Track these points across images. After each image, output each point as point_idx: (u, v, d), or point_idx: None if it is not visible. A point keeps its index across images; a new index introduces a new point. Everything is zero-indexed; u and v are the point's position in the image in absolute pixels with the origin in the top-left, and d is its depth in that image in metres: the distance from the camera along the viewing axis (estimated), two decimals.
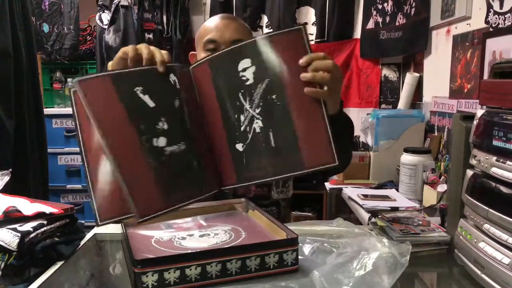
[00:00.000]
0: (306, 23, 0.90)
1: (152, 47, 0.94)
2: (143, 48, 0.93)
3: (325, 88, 0.91)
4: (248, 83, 0.93)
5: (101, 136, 0.83)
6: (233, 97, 0.94)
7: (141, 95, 0.88)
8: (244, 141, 0.95)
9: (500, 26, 1.69)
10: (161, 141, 0.88)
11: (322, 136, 0.89)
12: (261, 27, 3.29)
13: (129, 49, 0.94)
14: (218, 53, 0.97)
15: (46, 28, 3.15)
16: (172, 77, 0.93)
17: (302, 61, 0.90)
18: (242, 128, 0.94)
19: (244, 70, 0.92)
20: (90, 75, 0.87)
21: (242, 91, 0.93)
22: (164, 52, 0.94)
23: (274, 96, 0.91)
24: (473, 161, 0.89)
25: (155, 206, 0.87)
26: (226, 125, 0.96)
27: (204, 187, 0.96)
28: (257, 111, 0.93)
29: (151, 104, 0.88)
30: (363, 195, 1.86)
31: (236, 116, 0.95)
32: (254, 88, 0.92)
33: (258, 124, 0.93)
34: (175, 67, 0.94)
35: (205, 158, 0.97)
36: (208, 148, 0.98)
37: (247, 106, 0.93)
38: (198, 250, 0.81)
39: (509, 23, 1.63)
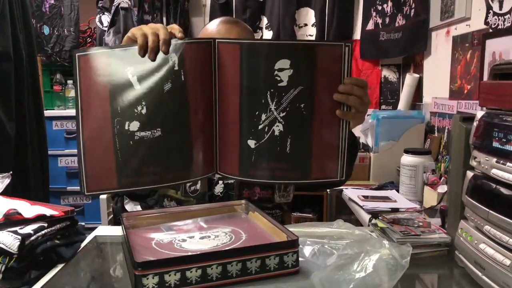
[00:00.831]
0: (351, 42, 0.91)
1: (160, 29, 0.91)
2: (150, 36, 0.89)
3: (353, 110, 0.94)
4: (281, 84, 0.91)
5: (76, 104, 0.87)
6: (259, 93, 0.92)
7: (130, 76, 0.89)
8: (258, 140, 0.94)
9: (499, 27, 1.69)
10: (134, 125, 0.90)
11: (334, 152, 0.93)
12: (261, 28, 3.29)
13: (137, 34, 0.90)
14: (253, 41, 0.96)
15: (46, 30, 3.15)
16: (173, 58, 0.90)
17: (345, 84, 0.91)
18: (260, 127, 0.93)
19: (281, 70, 0.90)
20: (90, 49, 0.90)
21: (272, 90, 0.91)
22: (175, 28, 0.93)
23: (302, 105, 0.91)
24: (473, 163, 0.88)
25: (106, 184, 0.91)
26: (242, 117, 0.94)
27: (185, 173, 0.96)
28: (282, 115, 0.92)
29: (136, 86, 0.89)
30: (363, 196, 1.86)
31: (257, 112, 0.92)
32: (286, 92, 0.91)
33: (278, 128, 0.93)
34: (181, 44, 0.91)
35: (194, 143, 0.95)
36: (204, 131, 0.96)
37: (272, 106, 0.92)
38: (199, 252, 0.81)
39: (509, 24, 1.63)
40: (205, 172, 0.98)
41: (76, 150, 0.90)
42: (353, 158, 1.20)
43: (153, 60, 0.89)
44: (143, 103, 0.89)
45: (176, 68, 0.91)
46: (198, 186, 1.21)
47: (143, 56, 0.89)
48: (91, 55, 0.88)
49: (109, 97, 0.88)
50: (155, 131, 0.90)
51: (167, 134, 0.91)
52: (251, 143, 0.94)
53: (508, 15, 1.63)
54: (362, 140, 2.66)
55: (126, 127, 0.89)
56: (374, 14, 2.90)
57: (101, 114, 0.89)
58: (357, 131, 2.88)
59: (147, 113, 0.90)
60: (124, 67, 0.89)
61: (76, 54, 0.88)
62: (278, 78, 0.91)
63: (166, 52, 0.89)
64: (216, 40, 0.94)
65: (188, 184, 1.21)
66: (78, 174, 0.90)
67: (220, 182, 1.22)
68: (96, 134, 0.89)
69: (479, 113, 0.88)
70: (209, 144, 0.97)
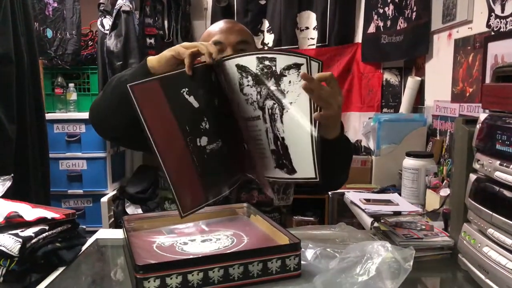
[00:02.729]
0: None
1: (199, 45, 0.95)
2: (191, 52, 0.94)
3: (323, 111, 0.91)
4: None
5: (148, 136, 0.86)
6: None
7: (186, 96, 0.93)
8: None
9: (501, 30, 1.69)
10: (203, 140, 0.94)
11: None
12: (262, 31, 3.29)
13: (185, 53, 0.94)
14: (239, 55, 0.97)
15: (49, 33, 3.15)
16: (213, 74, 0.96)
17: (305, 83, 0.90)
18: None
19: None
20: (140, 80, 0.90)
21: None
22: (209, 45, 0.96)
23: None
24: (476, 165, 0.88)
25: (197, 201, 0.92)
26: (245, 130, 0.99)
27: (234, 178, 1.00)
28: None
29: (195, 104, 0.93)
30: (365, 199, 1.85)
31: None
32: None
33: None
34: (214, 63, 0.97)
35: (240, 147, 1.00)
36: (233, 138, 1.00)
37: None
38: (200, 256, 0.81)
39: (511, 27, 1.63)
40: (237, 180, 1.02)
41: (76, 153, 0.89)
42: (342, 163, 1.15)
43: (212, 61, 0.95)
44: (205, 118, 0.94)
45: (216, 83, 0.97)
46: None
47: (192, 75, 0.93)
48: (144, 85, 0.90)
49: (176, 121, 0.91)
50: (218, 142, 0.96)
51: (225, 143, 0.97)
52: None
53: (510, 18, 1.63)
54: (363, 143, 2.65)
55: (198, 144, 0.93)
56: (375, 17, 2.90)
57: (175, 140, 0.91)
58: (358, 134, 2.88)
59: (210, 127, 0.95)
60: (178, 89, 0.92)
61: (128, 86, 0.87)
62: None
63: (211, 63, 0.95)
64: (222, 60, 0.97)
65: None
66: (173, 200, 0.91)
67: None
68: (176, 159, 0.91)
69: (482, 116, 0.88)
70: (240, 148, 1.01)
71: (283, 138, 0.94)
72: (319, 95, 0.89)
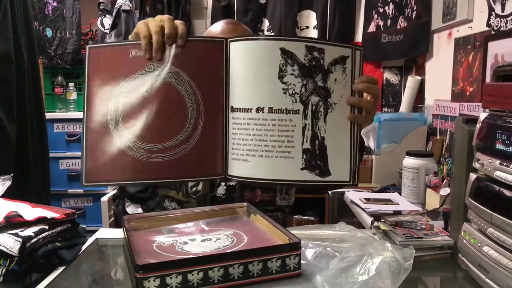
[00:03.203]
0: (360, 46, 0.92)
1: (165, 22, 0.93)
2: (154, 36, 0.92)
3: (364, 113, 0.94)
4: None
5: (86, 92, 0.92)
6: None
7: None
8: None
9: (502, 29, 1.68)
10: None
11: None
12: (262, 31, 3.29)
13: (141, 34, 0.93)
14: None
15: (49, 32, 3.15)
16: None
17: (358, 84, 0.92)
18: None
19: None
20: (101, 43, 0.94)
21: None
22: (179, 25, 0.94)
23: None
24: (476, 165, 0.88)
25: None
26: None
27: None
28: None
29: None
30: (365, 198, 1.85)
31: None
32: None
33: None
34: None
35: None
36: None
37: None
38: (200, 255, 0.81)
39: (511, 26, 1.62)
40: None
41: (76, 152, 0.91)
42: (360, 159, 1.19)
43: (160, 59, 0.91)
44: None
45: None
46: (200, 187, 1.20)
47: (149, 59, 0.91)
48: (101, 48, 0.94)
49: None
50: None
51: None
52: None
53: (511, 17, 1.63)
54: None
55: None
56: (375, 16, 2.90)
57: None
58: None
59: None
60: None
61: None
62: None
63: (170, 44, 0.92)
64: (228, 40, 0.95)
65: (190, 185, 1.21)
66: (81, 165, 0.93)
67: (222, 184, 1.22)
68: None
69: (482, 115, 0.88)
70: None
71: (323, 138, 0.91)
72: (360, 102, 0.92)
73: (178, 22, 0.94)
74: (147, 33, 0.91)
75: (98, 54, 0.94)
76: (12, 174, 1.01)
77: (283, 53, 0.88)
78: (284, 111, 0.89)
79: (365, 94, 0.94)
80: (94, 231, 1.12)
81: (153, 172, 0.92)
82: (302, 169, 0.91)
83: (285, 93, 0.89)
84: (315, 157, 0.91)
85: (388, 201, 1.82)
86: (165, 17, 0.94)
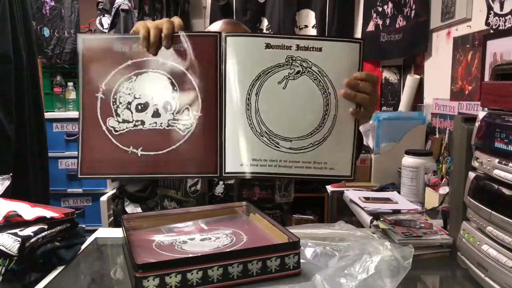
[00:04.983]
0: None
1: (164, 23, 0.92)
2: (152, 30, 0.91)
3: (362, 109, 0.95)
4: None
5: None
6: None
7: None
8: None
9: (500, 28, 1.68)
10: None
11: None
12: (261, 30, 3.29)
13: (140, 27, 0.93)
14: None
15: (46, 32, 3.15)
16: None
17: (351, 79, 0.93)
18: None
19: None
20: (94, 34, 0.93)
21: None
22: (176, 22, 0.94)
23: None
24: (475, 163, 0.88)
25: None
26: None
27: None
28: None
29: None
30: (364, 197, 1.85)
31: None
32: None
33: None
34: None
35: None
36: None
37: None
38: (200, 254, 0.81)
39: (510, 25, 1.62)
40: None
41: (76, 152, 0.90)
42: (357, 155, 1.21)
43: (155, 55, 0.90)
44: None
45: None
46: (199, 186, 1.20)
47: (146, 48, 0.91)
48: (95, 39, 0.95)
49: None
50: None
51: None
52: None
53: (509, 16, 1.63)
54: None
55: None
56: (374, 15, 2.90)
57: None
58: None
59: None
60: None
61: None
62: None
63: (168, 47, 0.91)
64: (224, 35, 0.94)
65: (189, 184, 1.21)
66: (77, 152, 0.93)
67: (221, 182, 1.22)
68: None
69: (481, 114, 0.88)
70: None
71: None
72: (356, 96, 0.93)
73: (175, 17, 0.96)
74: (146, 27, 0.92)
75: (92, 44, 0.94)
76: (11, 174, 1.01)
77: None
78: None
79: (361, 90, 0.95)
80: (93, 231, 1.12)
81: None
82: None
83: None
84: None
85: (387, 200, 1.82)
86: (165, 19, 0.95)
